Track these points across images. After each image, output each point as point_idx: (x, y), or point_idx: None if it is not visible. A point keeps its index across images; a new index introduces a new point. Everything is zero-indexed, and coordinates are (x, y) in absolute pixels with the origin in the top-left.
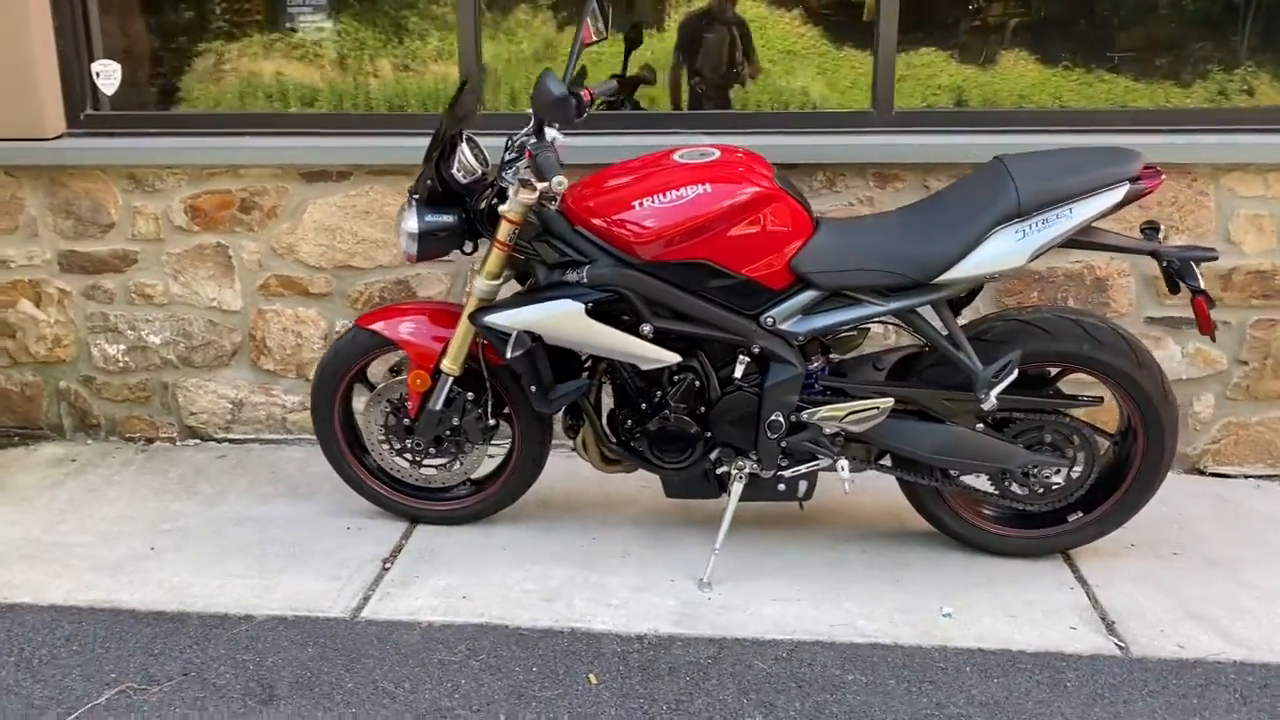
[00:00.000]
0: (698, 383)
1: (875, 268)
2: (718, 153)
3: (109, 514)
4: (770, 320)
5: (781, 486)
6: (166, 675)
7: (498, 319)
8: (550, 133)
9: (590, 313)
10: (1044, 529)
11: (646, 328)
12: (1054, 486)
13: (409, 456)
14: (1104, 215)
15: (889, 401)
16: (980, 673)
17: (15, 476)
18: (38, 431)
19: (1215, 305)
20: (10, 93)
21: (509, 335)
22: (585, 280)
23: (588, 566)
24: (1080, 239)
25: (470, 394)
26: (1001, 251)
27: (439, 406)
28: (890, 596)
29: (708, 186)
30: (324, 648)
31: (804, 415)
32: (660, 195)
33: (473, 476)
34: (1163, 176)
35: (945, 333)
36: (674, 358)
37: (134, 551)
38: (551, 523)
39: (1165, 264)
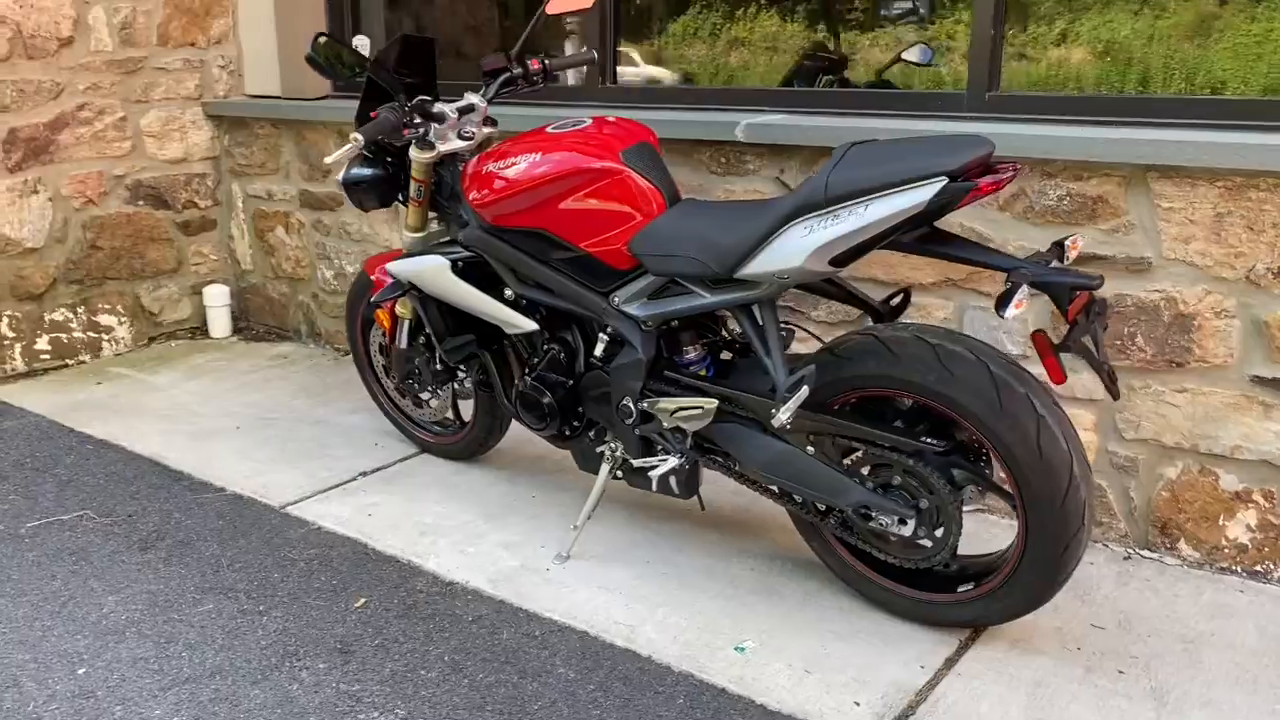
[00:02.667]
0: (563, 355)
1: (689, 255)
2: (588, 122)
3: (247, 399)
4: (616, 301)
5: (651, 476)
6: (123, 511)
7: (390, 267)
8: (471, 98)
9: (462, 272)
10: (932, 593)
11: (508, 292)
12: (893, 537)
13: (396, 388)
14: (909, 216)
15: (712, 403)
16: (692, 712)
17: (235, 362)
18: (285, 333)
19: (1076, 347)
20: (288, 59)
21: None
22: (460, 239)
23: (492, 518)
24: (932, 247)
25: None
26: (787, 249)
27: (402, 346)
28: (719, 619)
29: (538, 156)
30: (234, 521)
31: (644, 405)
32: (504, 161)
33: (446, 416)
34: (1011, 173)
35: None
36: (529, 325)
37: (218, 427)
38: (520, 474)
39: (1031, 288)
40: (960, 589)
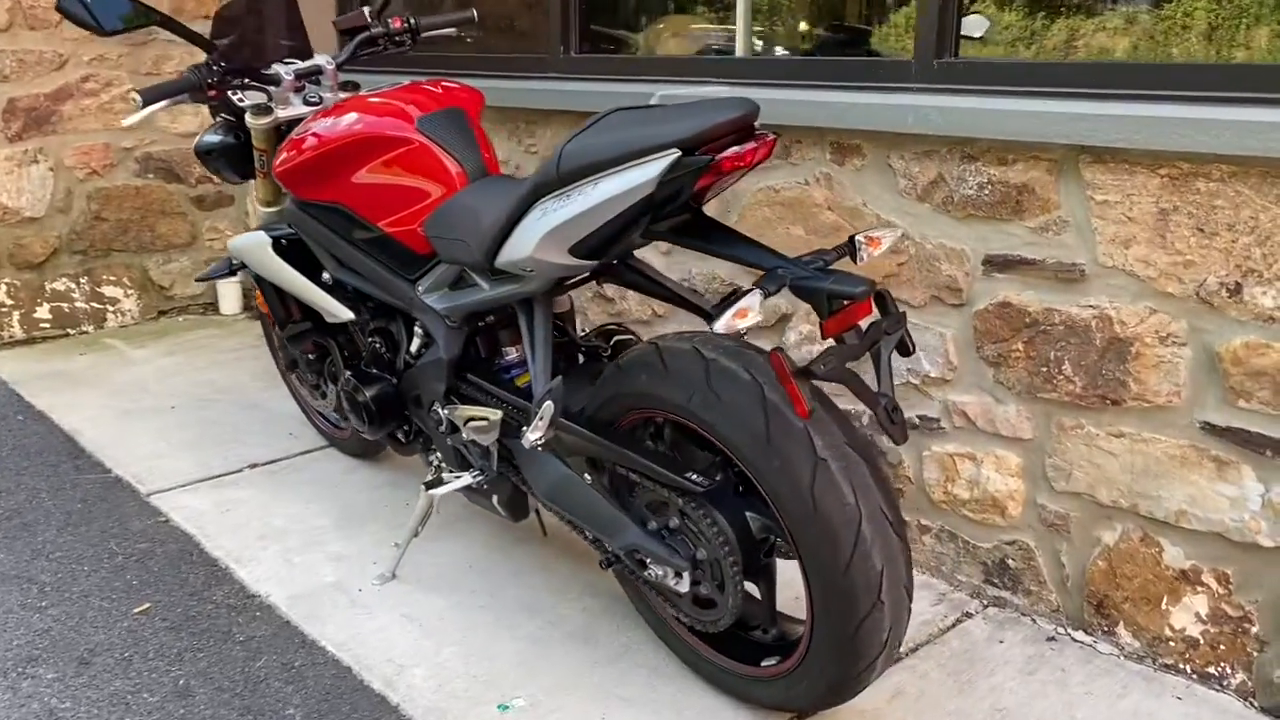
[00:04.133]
0: (385, 350)
1: (461, 238)
2: (405, 82)
3: (206, 378)
4: (420, 290)
5: (476, 491)
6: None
7: (230, 243)
8: (319, 60)
9: (286, 251)
10: (737, 663)
11: (326, 275)
12: (676, 592)
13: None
14: (644, 197)
15: (497, 415)
16: None
17: (224, 340)
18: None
19: (832, 373)
20: None
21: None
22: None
23: (347, 524)
24: (692, 239)
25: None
26: (525, 236)
27: (280, 330)
28: (510, 667)
29: (331, 122)
30: (93, 507)
31: (446, 411)
32: (305, 129)
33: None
34: (757, 145)
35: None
36: (345, 313)
37: (156, 406)
38: (413, 477)
39: (794, 293)
40: (765, 662)
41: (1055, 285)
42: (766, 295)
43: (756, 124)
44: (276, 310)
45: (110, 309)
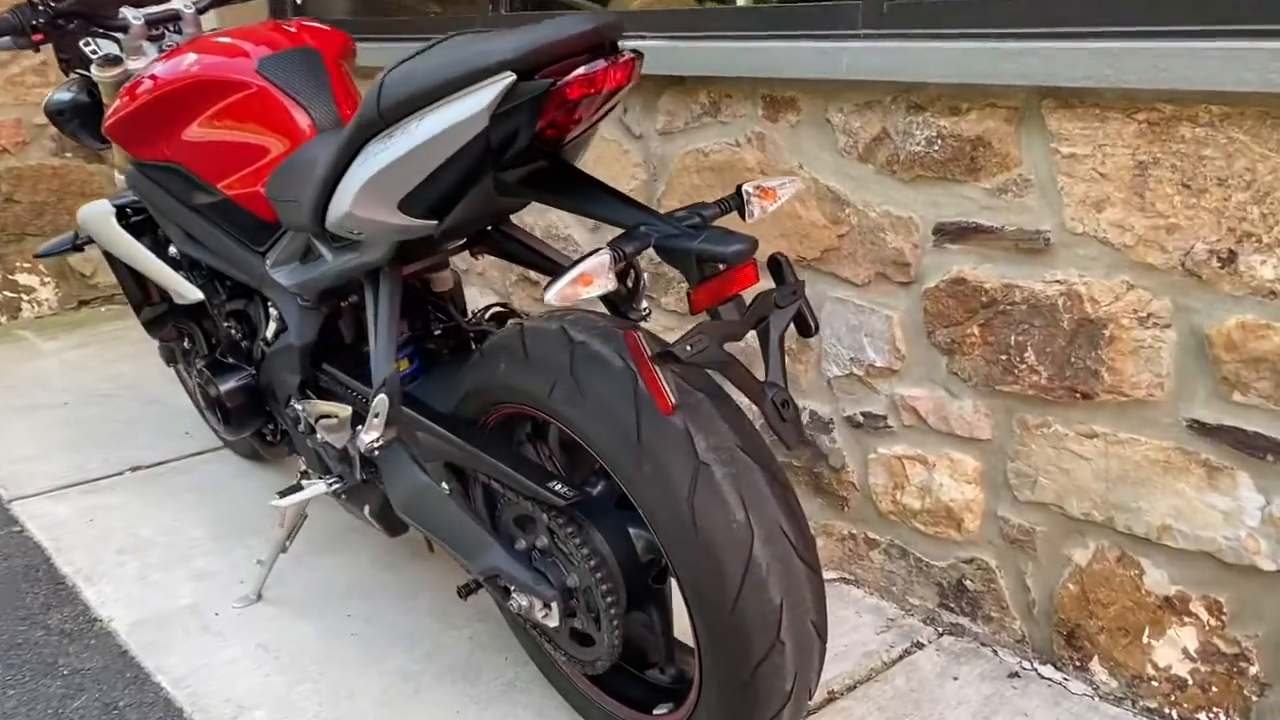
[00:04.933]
0: (241, 336)
1: (295, 198)
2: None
3: (112, 372)
4: (269, 263)
5: (346, 500)
6: None
7: (80, 212)
8: (175, 4)
9: (131, 221)
10: (628, 708)
11: (172, 249)
12: (547, 625)
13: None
14: (473, 133)
15: (347, 411)
16: None
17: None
18: None
19: (698, 355)
20: None
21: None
22: None
23: (225, 537)
24: (545, 193)
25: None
26: (343, 191)
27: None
28: (369, 708)
29: (162, 66)
30: None
31: (300, 407)
32: (137, 77)
33: None
34: (620, 64)
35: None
36: (192, 293)
37: (48, 402)
38: None
39: (659, 253)
40: (658, 710)
41: (1016, 257)
42: (621, 258)
43: (620, 42)
44: (131, 291)
45: (25, 298)
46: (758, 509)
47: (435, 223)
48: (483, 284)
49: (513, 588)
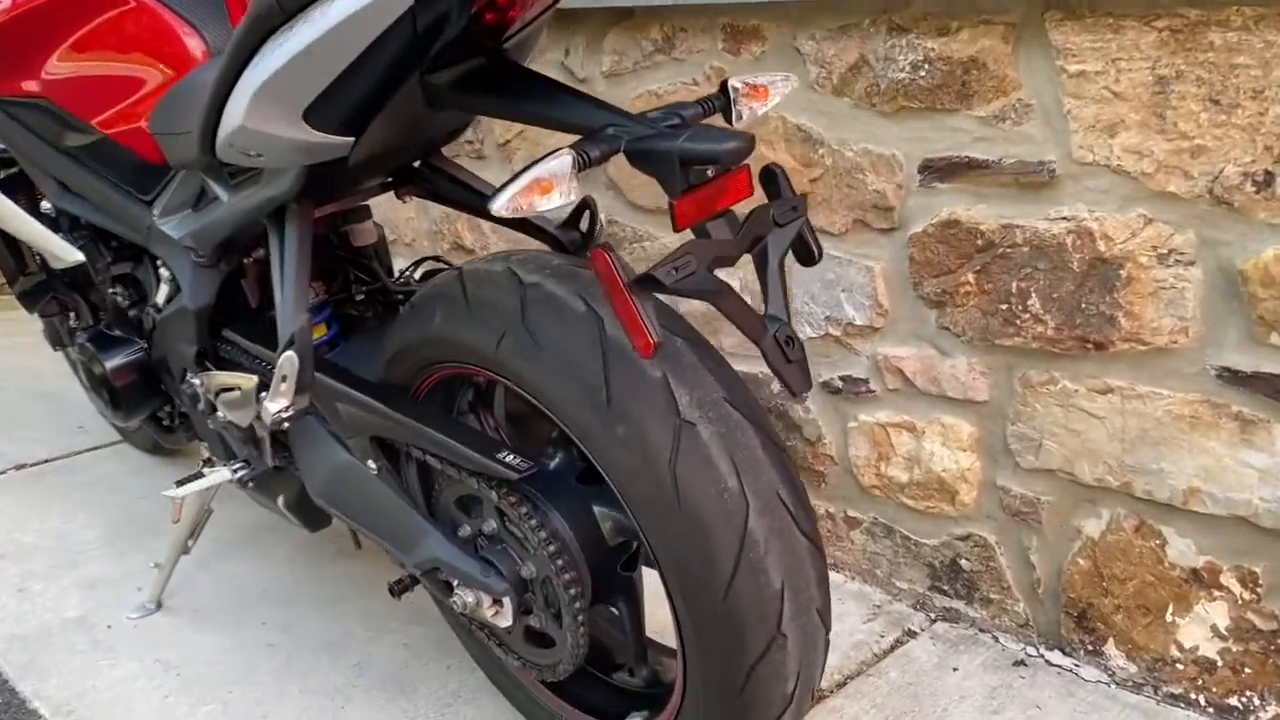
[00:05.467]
0: (129, 303)
1: (185, 130)
2: None
3: (4, 363)
4: (156, 213)
5: (253, 488)
6: None
7: None
8: None
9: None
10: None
11: (46, 205)
12: (497, 625)
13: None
14: (393, 16)
15: (251, 381)
16: None
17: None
18: None
19: (682, 284)
20: None
21: None
22: None
23: (118, 540)
24: (492, 101)
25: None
26: (236, 100)
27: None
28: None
29: None
30: None
31: (198, 381)
32: None
33: None
34: None
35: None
36: (71, 254)
37: None
38: None
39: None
40: (630, 717)
41: (1016, 193)
42: (585, 162)
43: None
44: (3, 260)
45: None
46: (752, 474)
47: (350, 140)
48: (411, 255)
49: (456, 582)
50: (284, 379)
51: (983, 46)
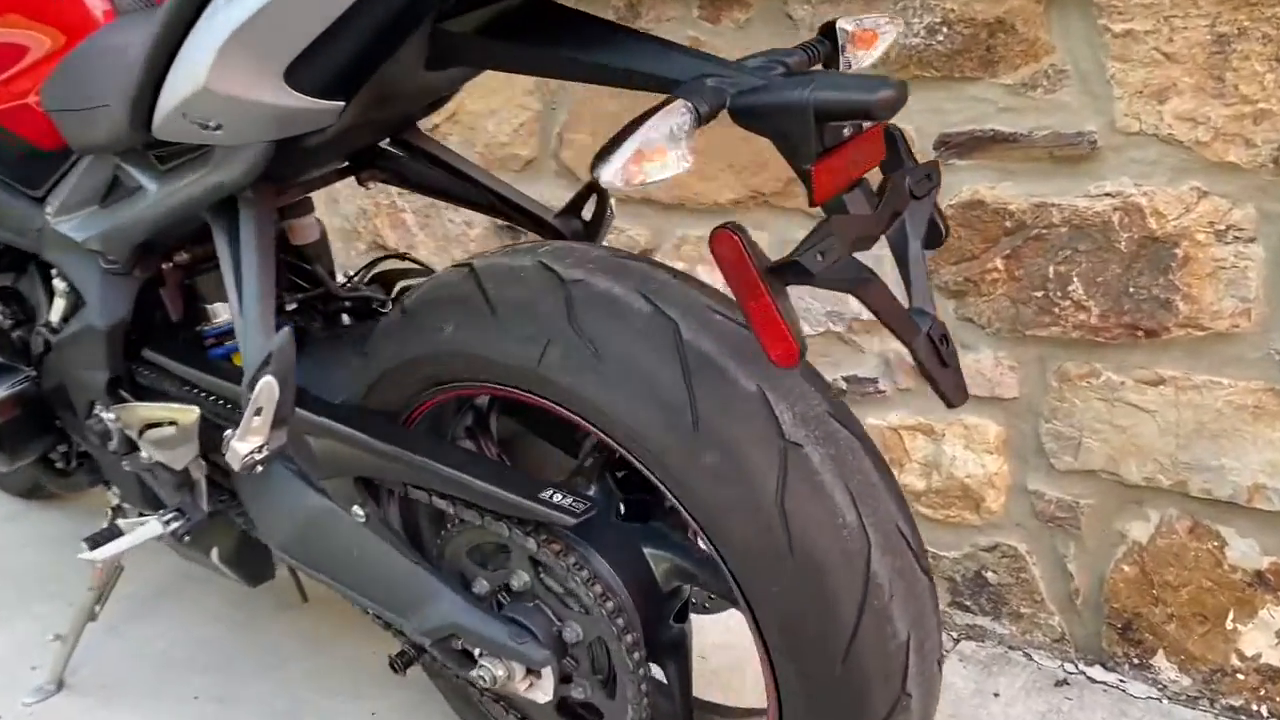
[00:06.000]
0: (11, 322)
1: (101, 102)
2: None
3: None
4: (49, 211)
5: (182, 544)
6: None
7: None
8: None
9: None
10: None
11: None
12: (534, 700)
13: None
14: None
15: (192, 413)
16: None
17: None
18: None
19: (833, 273)
20: None
21: None
22: None
23: (9, 605)
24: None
25: None
26: (192, 57)
27: None
28: None
29: None
30: None
31: (113, 415)
32: None
33: None
34: None
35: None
36: None
37: None
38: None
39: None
40: None
41: (1050, 168)
42: (700, 116)
43: None
44: None
45: None
46: (869, 504)
47: (339, 105)
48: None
49: (480, 652)
50: (258, 413)
51: (1011, 6)
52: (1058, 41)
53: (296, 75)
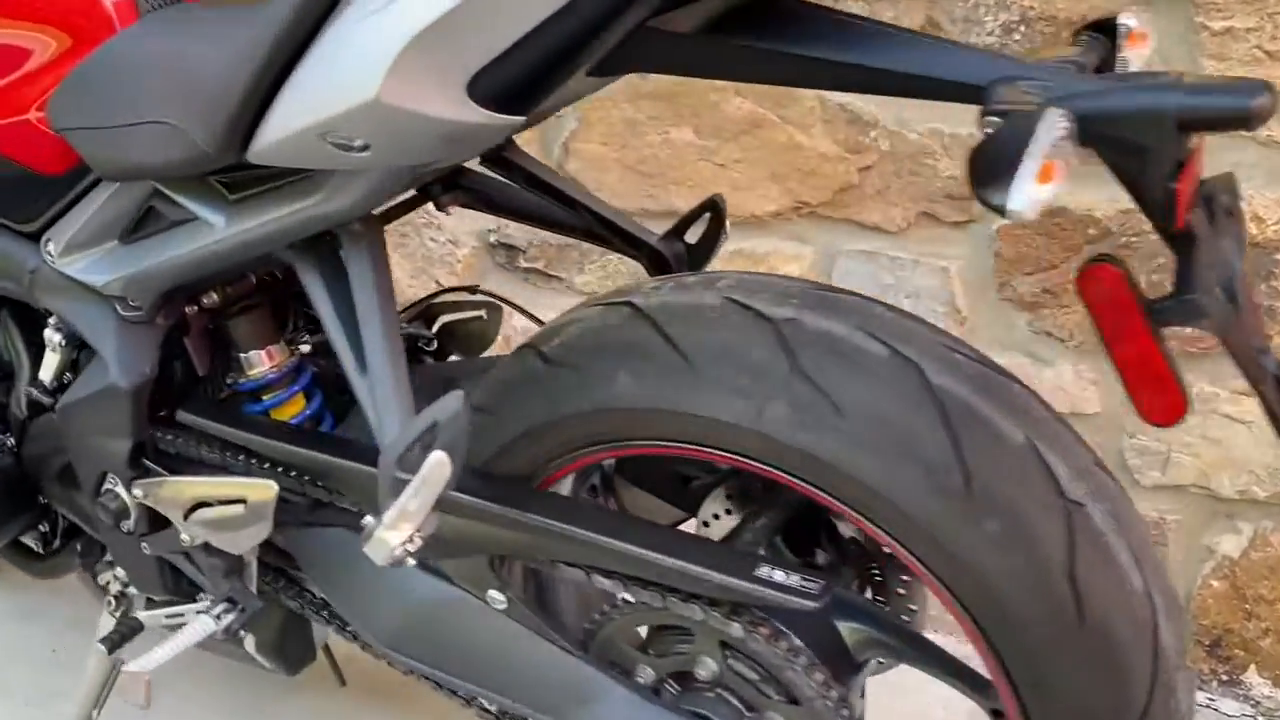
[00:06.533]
0: None
1: (162, 117)
2: None
3: None
4: (53, 251)
5: (236, 631)
6: None
7: None
8: None
9: None
10: None
11: None
12: None
13: None
14: None
15: (268, 490)
16: None
17: None
18: None
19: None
20: None
21: None
22: None
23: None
24: (779, 58)
25: None
26: (350, 62)
27: None
28: None
29: None
30: None
31: (139, 492)
32: None
33: None
34: None
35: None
36: None
37: None
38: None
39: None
40: None
41: None
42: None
43: None
44: None
45: None
46: (1150, 565)
47: (519, 120)
48: None
49: None
50: (420, 493)
51: (1095, 3)
52: (1149, 36)
53: (479, 86)
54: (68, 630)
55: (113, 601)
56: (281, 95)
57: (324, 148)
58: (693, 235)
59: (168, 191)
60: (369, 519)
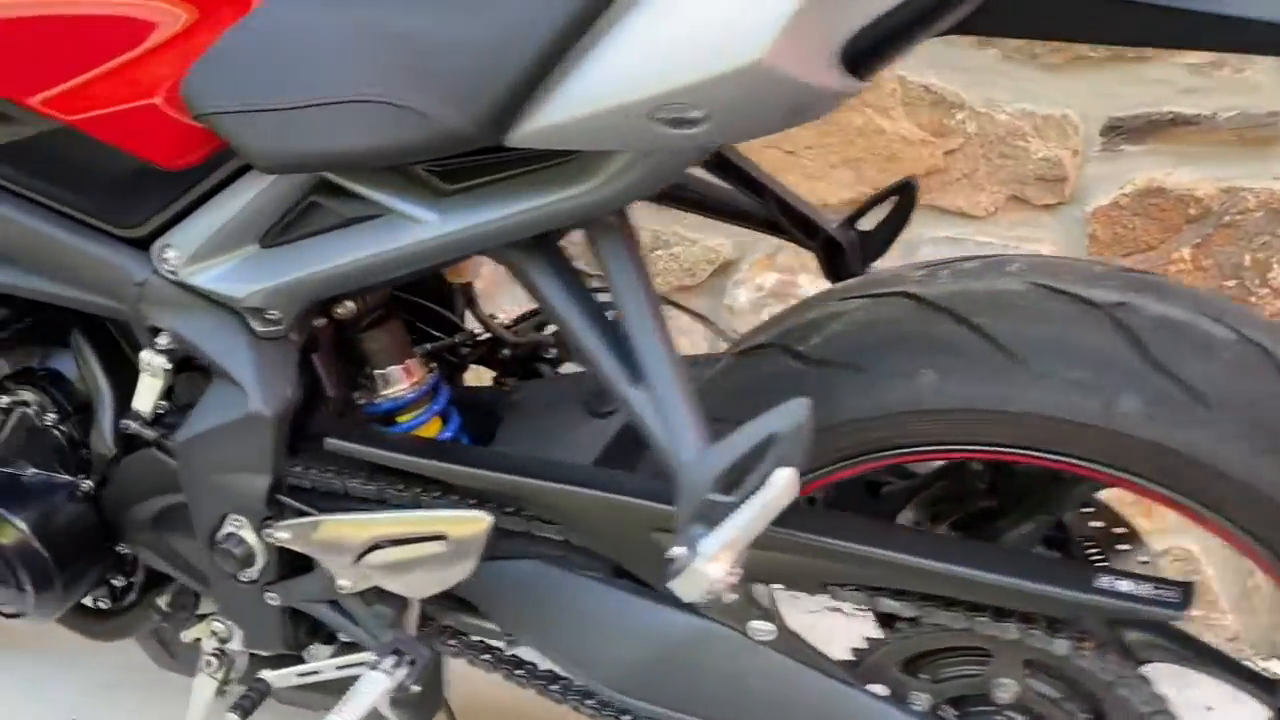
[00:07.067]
0: (51, 412)
1: (383, 96)
2: None
3: None
4: (171, 258)
5: (409, 688)
6: None
7: None
8: None
9: None
10: None
11: None
12: None
13: None
14: None
15: (478, 524)
16: None
17: None
18: None
19: None
20: None
21: None
22: None
23: None
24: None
25: None
26: (728, 22)
27: None
28: None
29: None
30: None
31: (283, 532)
32: None
33: None
34: None
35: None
36: None
37: None
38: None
39: None
40: None
41: (1236, 153)
42: None
43: None
44: None
45: None
46: None
47: (864, 85)
48: None
49: None
50: (756, 518)
51: None
52: None
53: (846, 49)
54: (84, 700)
55: (212, 661)
56: (573, 70)
57: (644, 125)
58: (868, 222)
59: (348, 184)
60: (678, 549)
